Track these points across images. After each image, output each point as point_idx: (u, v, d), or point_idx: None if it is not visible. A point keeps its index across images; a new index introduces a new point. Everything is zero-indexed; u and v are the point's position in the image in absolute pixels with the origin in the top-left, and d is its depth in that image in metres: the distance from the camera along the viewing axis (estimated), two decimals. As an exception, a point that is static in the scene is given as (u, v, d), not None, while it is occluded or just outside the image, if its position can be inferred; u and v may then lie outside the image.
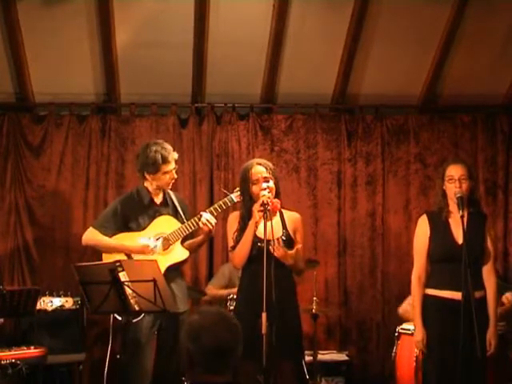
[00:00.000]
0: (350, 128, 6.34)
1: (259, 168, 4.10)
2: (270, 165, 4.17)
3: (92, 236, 4.59)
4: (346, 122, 6.34)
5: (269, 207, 3.92)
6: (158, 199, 4.61)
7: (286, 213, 4.17)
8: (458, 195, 4.01)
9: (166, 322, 4.42)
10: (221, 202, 4.51)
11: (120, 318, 4.22)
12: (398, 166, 6.36)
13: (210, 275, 6.10)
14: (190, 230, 4.48)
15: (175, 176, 4.60)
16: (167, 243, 4.48)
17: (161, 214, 4.56)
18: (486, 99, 6.39)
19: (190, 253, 4.64)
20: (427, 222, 4.15)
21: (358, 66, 6.10)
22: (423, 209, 6.16)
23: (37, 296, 4.75)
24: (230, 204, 4.50)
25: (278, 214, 4.11)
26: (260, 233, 3.96)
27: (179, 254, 4.50)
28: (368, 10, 5.72)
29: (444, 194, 4.12)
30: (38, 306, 4.85)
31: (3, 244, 5.97)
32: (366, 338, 6.23)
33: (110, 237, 4.53)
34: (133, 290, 3.84)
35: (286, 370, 3.95)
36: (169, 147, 4.57)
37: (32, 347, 4.75)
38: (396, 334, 5.08)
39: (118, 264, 3.85)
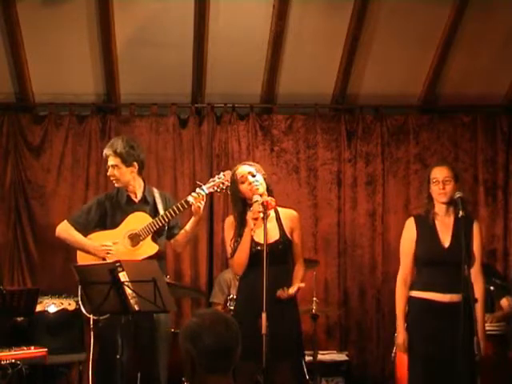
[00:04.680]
0: (350, 128, 6.34)
1: (244, 167, 4.14)
2: (257, 165, 4.22)
3: (65, 229, 4.64)
4: (346, 122, 6.34)
5: (265, 203, 3.93)
6: (137, 197, 4.61)
7: (281, 211, 4.15)
8: (458, 195, 4.00)
9: (141, 321, 4.18)
10: (178, 204, 4.46)
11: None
12: (398, 166, 6.36)
13: (210, 275, 6.11)
14: (160, 225, 4.44)
15: (109, 173, 4.63)
16: (137, 239, 4.47)
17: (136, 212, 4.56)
18: (486, 99, 6.39)
19: (190, 238, 4.70)
20: (414, 225, 4.13)
21: (358, 66, 6.10)
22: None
23: (37, 296, 4.75)
24: (186, 206, 4.44)
25: (274, 214, 4.09)
26: (257, 236, 3.97)
27: (147, 249, 4.46)
28: (368, 10, 5.72)
29: (430, 197, 4.10)
30: (40, 308, 4.83)
31: (3, 244, 5.97)
32: (366, 338, 6.23)
33: (84, 233, 4.57)
34: (133, 290, 3.84)
35: (285, 370, 3.94)
36: (111, 143, 4.66)
37: (32, 347, 4.73)
38: (396, 334, 5.06)
39: (117, 264, 3.86)
